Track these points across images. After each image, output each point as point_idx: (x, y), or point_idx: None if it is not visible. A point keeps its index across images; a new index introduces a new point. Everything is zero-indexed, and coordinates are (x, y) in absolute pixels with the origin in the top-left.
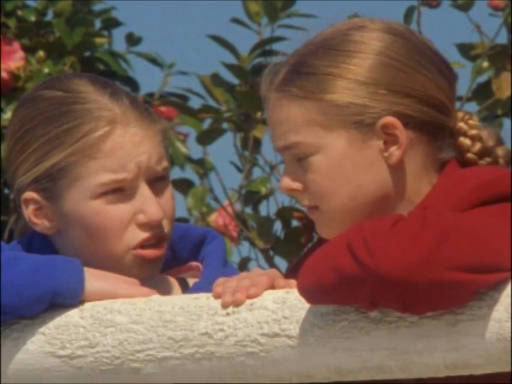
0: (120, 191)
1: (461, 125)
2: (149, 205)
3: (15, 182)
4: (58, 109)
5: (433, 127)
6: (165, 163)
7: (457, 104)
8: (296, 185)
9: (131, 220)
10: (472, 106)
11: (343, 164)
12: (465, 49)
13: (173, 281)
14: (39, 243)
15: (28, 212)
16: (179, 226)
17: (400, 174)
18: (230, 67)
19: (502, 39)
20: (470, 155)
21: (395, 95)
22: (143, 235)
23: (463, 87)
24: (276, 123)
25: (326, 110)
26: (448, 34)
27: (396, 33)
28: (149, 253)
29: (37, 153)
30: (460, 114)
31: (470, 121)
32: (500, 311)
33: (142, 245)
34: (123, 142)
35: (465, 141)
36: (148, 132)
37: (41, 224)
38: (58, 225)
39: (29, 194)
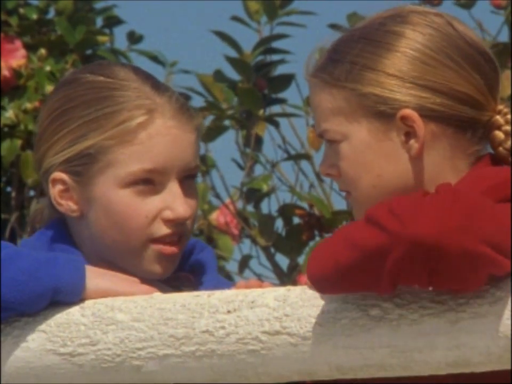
0: (150, 184)
1: (498, 118)
2: (178, 202)
3: (45, 161)
4: (99, 93)
5: (460, 121)
6: (197, 161)
7: None
8: (332, 170)
9: (157, 215)
10: None
11: (365, 153)
12: None
13: (167, 288)
14: (59, 235)
15: (54, 191)
16: None
17: (421, 166)
18: (233, 61)
19: (504, 37)
20: (501, 149)
21: (420, 89)
22: (166, 231)
23: None
24: (313, 109)
25: (350, 98)
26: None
27: (431, 27)
28: (167, 249)
29: (73, 134)
30: (500, 107)
31: (508, 116)
32: (500, 308)
33: (162, 241)
34: (160, 133)
35: (499, 135)
36: (186, 127)
37: (65, 205)
38: (83, 209)
39: (59, 174)
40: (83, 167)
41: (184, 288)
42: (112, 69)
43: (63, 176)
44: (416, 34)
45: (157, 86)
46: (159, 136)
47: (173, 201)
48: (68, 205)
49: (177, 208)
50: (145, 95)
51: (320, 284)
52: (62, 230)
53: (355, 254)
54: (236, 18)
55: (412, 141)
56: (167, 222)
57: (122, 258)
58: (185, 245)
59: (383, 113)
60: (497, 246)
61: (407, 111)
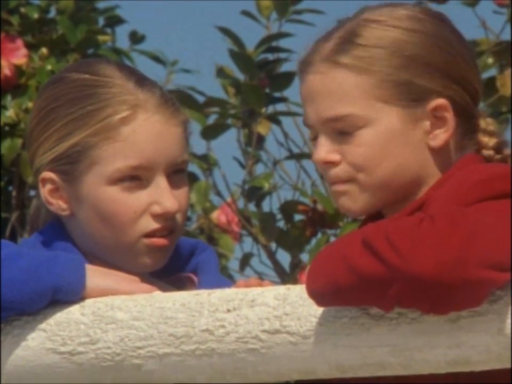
0: (137, 179)
1: (481, 120)
2: (165, 197)
3: (35, 160)
4: (83, 91)
5: (467, 116)
6: (185, 155)
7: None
8: (333, 157)
9: (145, 210)
10: None
11: (391, 140)
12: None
13: (171, 288)
14: (55, 235)
15: (44, 191)
16: None
17: (440, 157)
18: (237, 55)
19: (507, 36)
20: (486, 151)
21: (448, 80)
22: (155, 225)
23: None
24: (323, 94)
25: (382, 84)
26: None
27: (444, 19)
28: (158, 240)
29: (59, 133)
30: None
31: (485, 118)
32: (500, 307)
33: (153, 235)
34: (144, 128)
35: (483, 138)
36: (171, 121)
37: (56, 204)
38: (73, 208)
39: (47, 174)
40: (70, 165)
41: (187, 289)
42: (97, 67)
43: (52, 175)
44: (438, 25)
45: (141, 82)
46: (142, 131)
47: (160, 196)
48: (58, 204)
49: (165, 203)
50: (129, 91)
51: (319, 299)
52: (60, 229)
53: (354, 278)
54: (246, 13)
55: (438, 131)
56: (156, 216)
57: (113, 254)
58: (177, 238)
59: (415, 101)
60: (498, 264)
61: (442, 101)
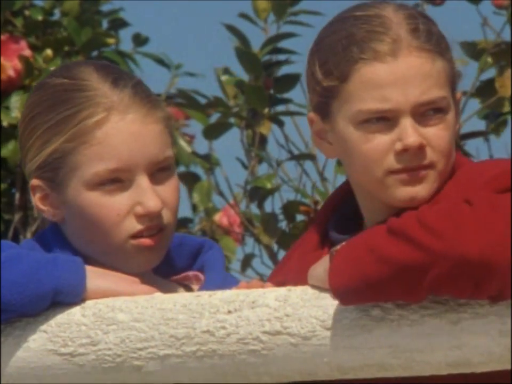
0: (118, 182)
1: None
2: (147, 196)
3: (25, 167)
4: (61, 96)
5: None
6: (168, 152)
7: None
8: (423, 140)
9: (129, 211)
10: (475, 104)
11: (456, 127)
12: (469, 48)
13: (179, 287)
14: (54, 238)
15: (35, 198)
16: (176, 235)
17: None
18: (244, 54)
19: (506, 37)
20: None
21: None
22: (140, 226)
23: (467, 84)
24: (423, 76)
25: (453, 72)
26: (452, 32)
27: None
28: (146, 241)
29: (40, 140)
30: None
31: None
32: (501, 309)
33: (140, 235)
34: (117, 130)
35: None
36: (147, 119)
37: (47, 211)
38: (62, 213)
39: (35, 181)
40: (53, 172)
41: (194, 287)
42: (75, 70)
43: (39, 182)
44: None
45: (117, 82)
46: (117, 134)
47: (142, 196)
48: (48, 211)
49: (147, 203)
50: (104, 93)
51: (346, 296)
52: (59, 232)
53: (385, 268)
54: (243, 16)
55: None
56: (140, 217)
57: (104, 256)
58: (169, 235)
59: (455, 92)
60: None
61: (460, 93)
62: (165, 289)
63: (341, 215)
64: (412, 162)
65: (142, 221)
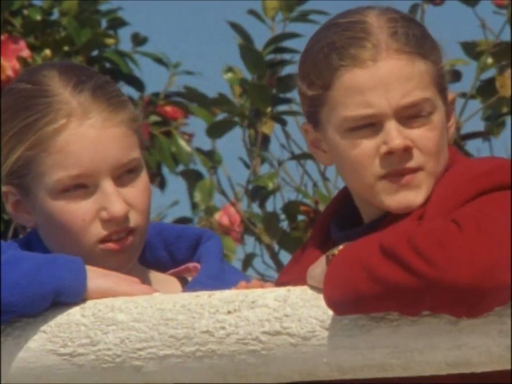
0: (82, 188)
1: None
2: (111, 201)
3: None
4: (24, 103)
5: None
6: (133, 154)
7: (461, 101)
8: (409, 142)
9: (95, 217)
10: (476, 104)
11: (444, 127)
12: (469, 48)
13: (174, 280)
14: (36, 240)
15: (8, 204)
16: (175, 227)
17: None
18: (247, 52)
19: (506, 36)
20: None
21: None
22: (105, 232)
23: (467, 84)
24: (404, 79)
25: (439, 73)
26: (452, 32)
27: None
28: (112, 245)
29: (6, 148)
30: None
31: None
32: (501, 309)
33: (109, 239)
34: (77, 136)
35: None
36: (108, 123)
37: (20, 217)
38: (34, 219)
39: (6, 187)
40: (20, 180)
41: (189, 279)
42: (39, 74)
43: (11, 189)
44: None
45: (79, 85)
46: (77, 140)
47: (107, 201)
48: (22, 216)
49: (111, 207)
50: (64, 99)
51: (339, 309)
52: (39, 236)
53: (378, 288)
54: (252, 12)
55: (450, 123)
56: (105, 222)
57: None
58: (140, 236)
59: (445, 92)
60: None
61: (454, 94)
62: (155, 282)
63: (342, 213)
64: (399, 165)
65: (108, 226)
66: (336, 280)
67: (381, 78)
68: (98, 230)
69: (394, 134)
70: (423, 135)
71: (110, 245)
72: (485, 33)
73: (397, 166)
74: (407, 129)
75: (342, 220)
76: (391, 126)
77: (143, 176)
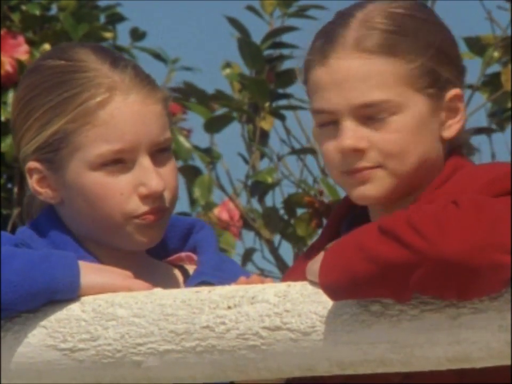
0: (120, 162)
1: None
2: (150, 177)
3: (20, 152)
4: (59, 78)
5: None
6: (167, 133)
7: (467, 93)
8: (362, 143)
9: (132, 192)
10: (480, 98)
11: (419, 127)
12: (472, 43)
13: (173, 269)
14: (46, 224)
15: (32, 181)
16: None
17: (446, 147)
18: (246, 46)
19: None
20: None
21: (457, 70)
22: (144, 208)
23: (473, 78)
24: (359, 79)
25: (414, 72)
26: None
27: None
28: (149, 217)
29: (39, 122)
30: None
31: None
32: (500, 304)
33: (143, 216)
34: (121, 110)
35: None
36: (148, 100)
37: (44, 193)
38: (61, 195)
39: (32, 164)
40: (53, 153)
41: (187, 267)
42: (71, 52)
43: (37, 165)
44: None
45: (116, 63)
46: (120, 114)
47: (145, 176)
48: (46, 193)
49: (150, 183)
50: (104, 73)
51: (334, 292)
52: (54, 216)
53: (373, 267)
54: (250, 8)
55: (452, 121)
56: (144, 198)
57: (106, 235)
58: (168, 216)
59: (438, 90)
60: None
61: (458, 91)
62: (159, 271)
63: (354, 213)
64: (351, 165)
65: (146, 202)
66: (332, 264)
67: (338, 77)
68: (136, 206)
69: (345, 134)
70: (381, 137)
71: (149, 217)
72: (492, 28)
73: (349, 167)
74: (365, 129)
75: (354, 218)
76: (346, 125)
77: (173, 158)
